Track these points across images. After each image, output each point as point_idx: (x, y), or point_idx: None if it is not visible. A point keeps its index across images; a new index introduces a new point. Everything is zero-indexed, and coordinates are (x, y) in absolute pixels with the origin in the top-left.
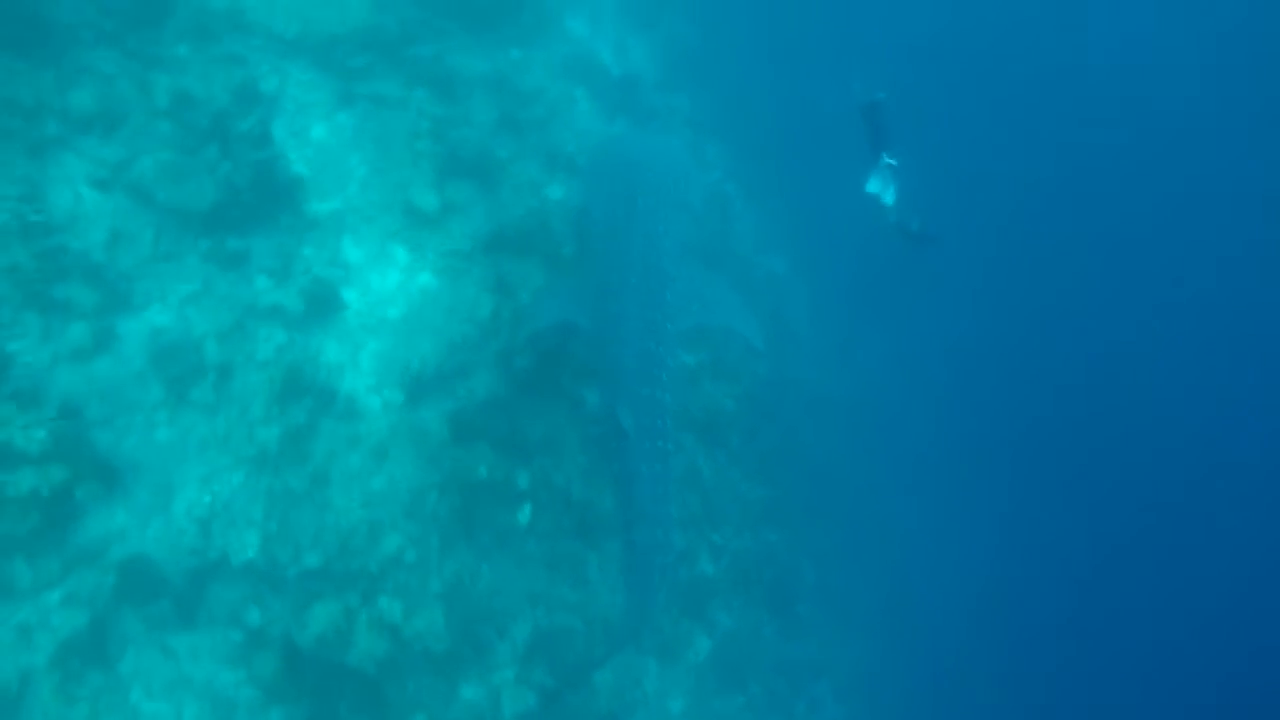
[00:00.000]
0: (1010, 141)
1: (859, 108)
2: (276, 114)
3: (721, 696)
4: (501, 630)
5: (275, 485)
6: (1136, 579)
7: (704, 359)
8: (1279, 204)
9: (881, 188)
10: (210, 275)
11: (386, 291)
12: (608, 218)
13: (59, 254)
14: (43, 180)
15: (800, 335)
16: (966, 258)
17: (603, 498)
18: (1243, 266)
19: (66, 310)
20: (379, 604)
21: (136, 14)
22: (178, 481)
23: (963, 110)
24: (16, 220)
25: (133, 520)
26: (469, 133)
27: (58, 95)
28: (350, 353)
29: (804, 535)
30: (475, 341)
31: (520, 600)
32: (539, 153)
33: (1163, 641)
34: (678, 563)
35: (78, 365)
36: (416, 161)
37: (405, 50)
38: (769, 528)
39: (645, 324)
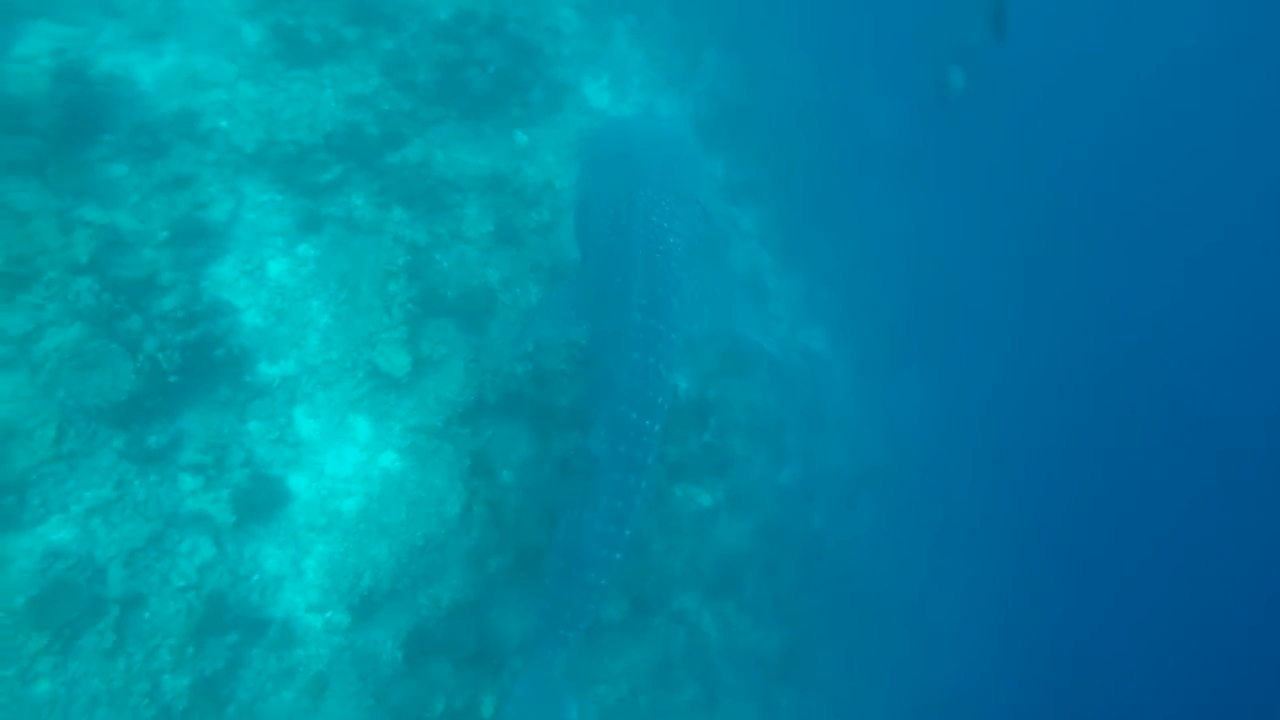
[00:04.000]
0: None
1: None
2: (227, 249)
3: None
4: None
5: None
6: None
7: (719, 498)
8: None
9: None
10: (125, 476)
11: (342, 477)
12: (606, 214)
13: None
14: None
15: (838, 417)
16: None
17: None
18: None
19: None
20: None
21: (64, 127)
22: None
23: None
24: None
25: None
26: (455, 257)
27: None
28: (293, 560)
29: (824, 683)
30: (441, 542)
31: None
32: (540, 271)
33: None
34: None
35: None
36: (389, 307)
37: (386, 156)
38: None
39: (646, 335)
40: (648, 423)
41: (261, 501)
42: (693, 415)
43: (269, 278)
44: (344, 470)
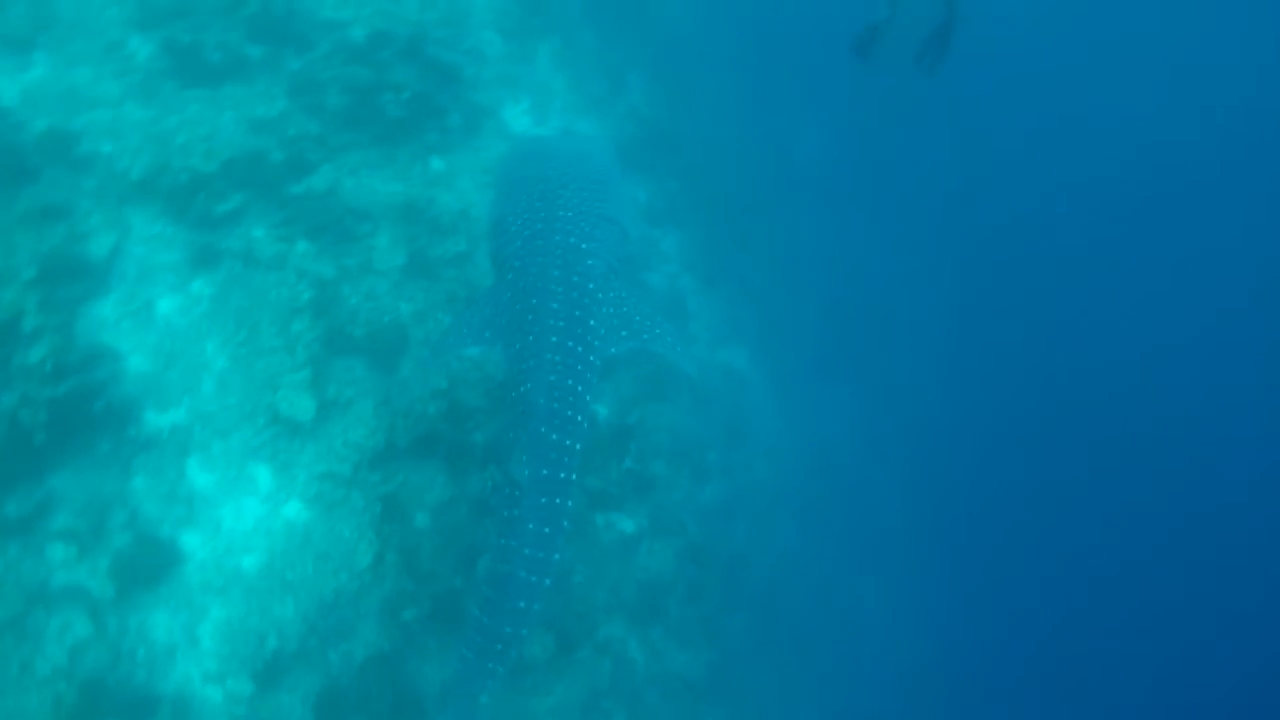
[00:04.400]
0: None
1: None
2: (109, 287)
3: None
4: None
5: None
6: None
7: (642, 523)
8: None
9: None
10: None
11: (242, 532)
12: (522, 234)
13: None
14: None
15: (759, 433)
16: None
17: None
18: None
19: None
20: None
21: None
22: None
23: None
24: None
25: None
26: (365, 290)
27: None
28: (186, 628)
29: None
30: (352, 595)
31: None
32: (455, 302)
33: None
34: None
35: None
36: (291, 347)
37: (291, 185)
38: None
39: (563, 356)
40: (568, 443)
41: (148, 566)
42: (613, 442)
43: (157, 318)
44: (243, 524)
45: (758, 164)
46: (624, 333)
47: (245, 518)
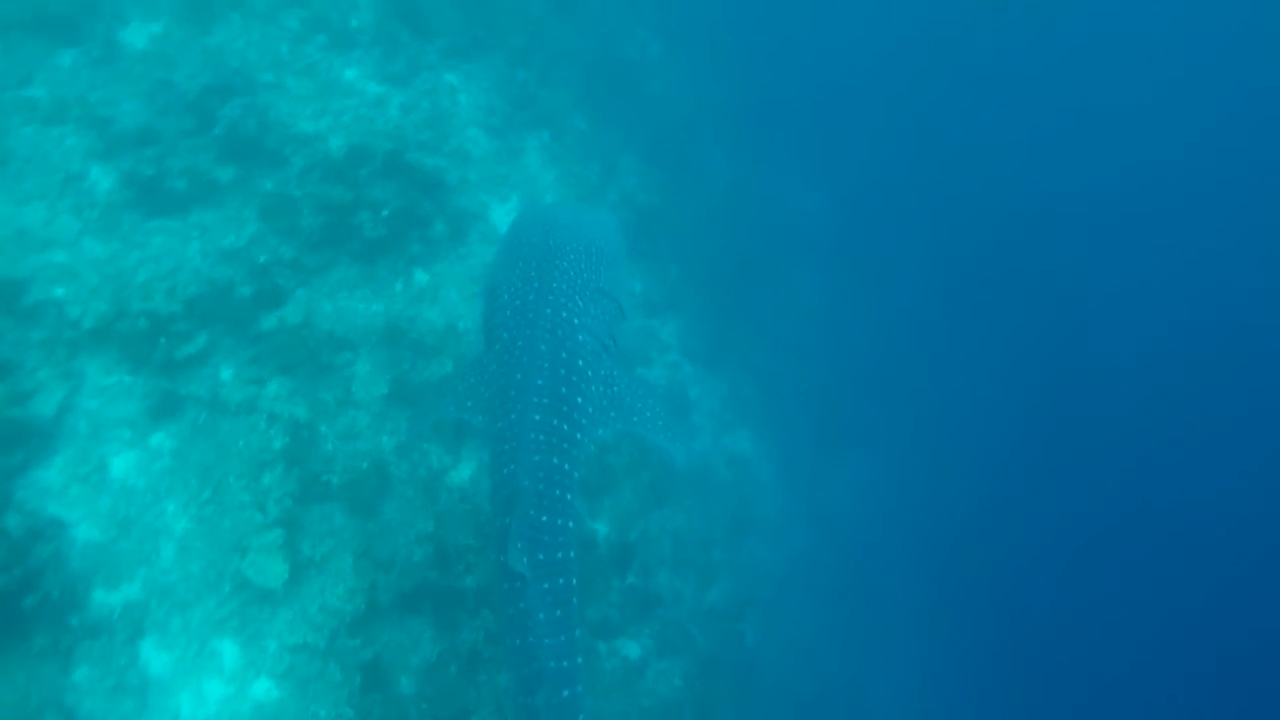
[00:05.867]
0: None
1: None
2: (54, 449)
3: None
4: None
5: None
6: None
7: (647, 645)
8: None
9: None
10: None
11: (204, 719)
12: (514, 304)
13: None
14: None
15: (766, 520)
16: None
17: None
18: None
19: None
20: None
21: None
22: None
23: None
24: None
25: None
26: (343, 427)
27: None
28: None
29: None
30: None
31: None
32: (443, 429)
33: None
34: None
35: None
36: (261, 503)
37: (262, 319)
38: None
39: (548, 435)
40: (560, 521)
41: None
42: (615, 562)
43: (111, 479)
44: (206, 710)
45: (756, 236)
46: (613, 413)
47: (207, 701)
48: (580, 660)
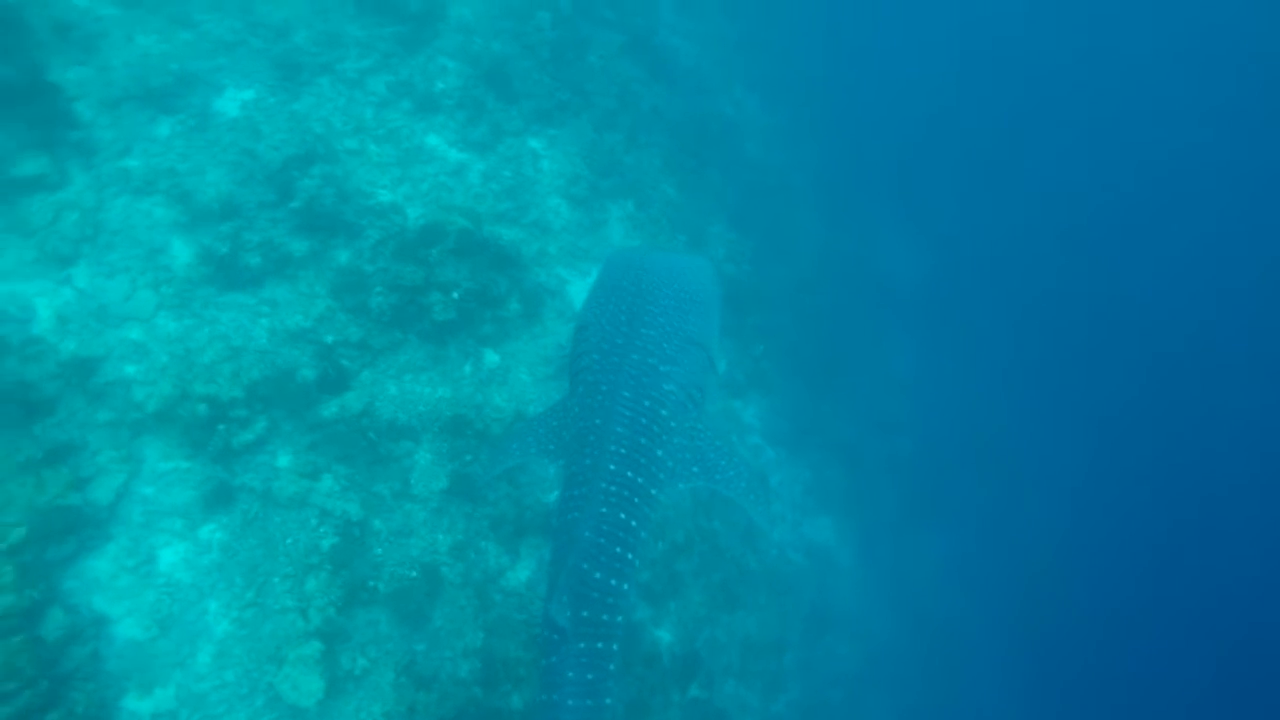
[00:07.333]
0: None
1: None
2: (108, 537)
3: None
4: None
5: None
6: None
7: None
8: None
9: None
10: None
11: None
12: (601, 347)
13: None
14: None
15: (844, 613)
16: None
17: None
18: None
19: None
20: None
21: None
22: None
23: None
24: None
25: None
26: (397, 523)
27: None
28: None
29: None
30: None
31: None
32: (503, 526)
33: None
34: None
35: None
36: (304, 609)
37: (322, 406)
38: None
39: (619, 487)
40: (613, 582)
41: None
42: (677, 674)
43: (159, 573)
44: None
45: (847, 303)
46: (695, 468)
47: None
48: None
